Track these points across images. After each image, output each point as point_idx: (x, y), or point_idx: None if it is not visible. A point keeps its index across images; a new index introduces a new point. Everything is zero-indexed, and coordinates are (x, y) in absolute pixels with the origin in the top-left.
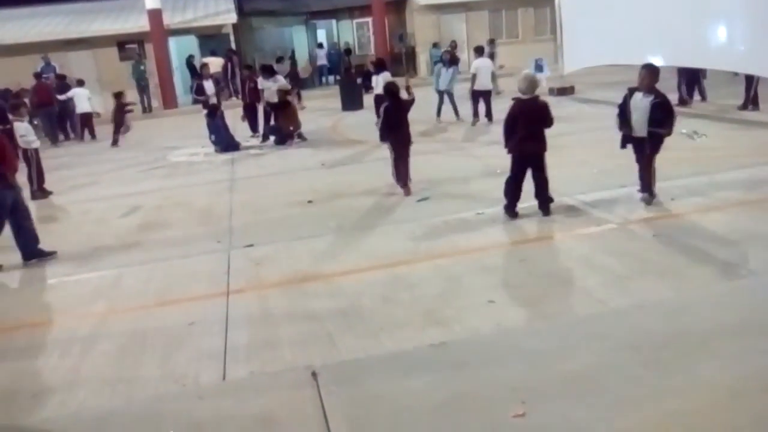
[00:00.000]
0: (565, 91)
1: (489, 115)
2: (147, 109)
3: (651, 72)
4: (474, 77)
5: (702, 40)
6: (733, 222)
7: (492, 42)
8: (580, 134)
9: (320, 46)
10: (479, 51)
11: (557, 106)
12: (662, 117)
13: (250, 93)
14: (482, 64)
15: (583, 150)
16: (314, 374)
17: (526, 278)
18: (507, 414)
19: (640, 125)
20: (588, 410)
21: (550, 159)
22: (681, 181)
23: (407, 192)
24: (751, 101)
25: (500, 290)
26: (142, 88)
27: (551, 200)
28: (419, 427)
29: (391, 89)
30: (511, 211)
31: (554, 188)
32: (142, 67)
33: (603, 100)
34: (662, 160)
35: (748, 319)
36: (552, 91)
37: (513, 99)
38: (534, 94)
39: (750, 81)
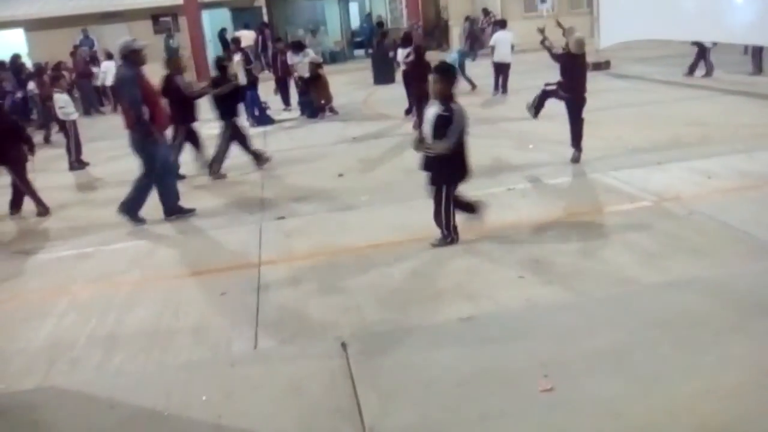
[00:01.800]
0: (600, 66)
1: (504, 87)
2: None
3: (442, 76)
4: (493, 49)
5: (747, 14)
6: None
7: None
8: (614, 110)
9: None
10: (501, 24)
11: (591, 82)
12: (443, 133)
13: (281, 67)
14: (501, 37)
15: (618, 126)
16: (344, 345)
17: (556, 254)
18: (535, 388)
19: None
20: (617, 387)
21: (585, 135)
22: (718, 159)
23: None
24: None
25: (530, 266)
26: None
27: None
28: (447, 399)
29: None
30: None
31: (587, 164)
32: (171, 41)
33: (639, 75)
34: (700, 139)
35: None
36: (587, 66)
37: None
38: (582, 51)
39: None
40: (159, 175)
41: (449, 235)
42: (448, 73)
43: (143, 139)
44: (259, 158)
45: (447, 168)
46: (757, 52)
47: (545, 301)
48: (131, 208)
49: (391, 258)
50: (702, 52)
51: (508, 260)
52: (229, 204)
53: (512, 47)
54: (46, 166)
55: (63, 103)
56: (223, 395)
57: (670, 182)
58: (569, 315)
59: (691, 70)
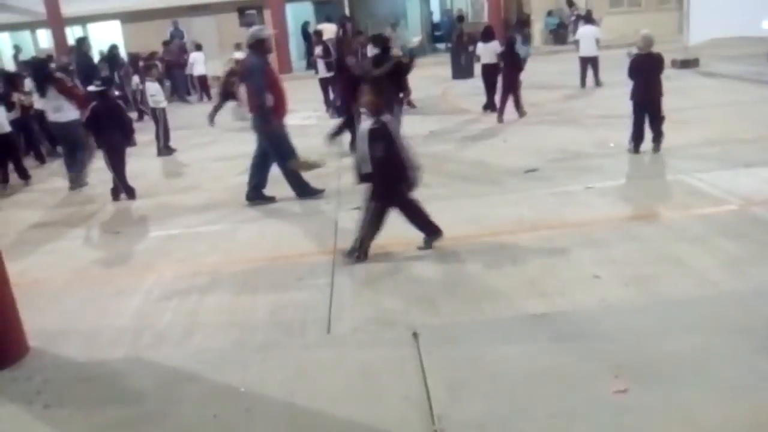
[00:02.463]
0: (688, 64)
1: (596, 79)
2: None
3: (373, 88)
4: (578, 44)
5: None
6: None
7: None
8: (702, 110)
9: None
10: (586, 18)
11: (679, 79)
12: (379, 147)
13: (361, 59)
14: (585, 31)
15: (706, 126)
16: (415, 334)
17: (635, 255)
18: (608, 389)
19: (362, 157)
20: (694, 393)
21: (671, 135)
22: None
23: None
24: None
25: (607, 266)
26: None
27: (662, 135)
28: (515, 394)
29: None
30: (635, 148)
31: (673, 165)
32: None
33: (729, 74)
34: None
35: None
36: (675, 64)
37: (629, 55)
38: (650, 50)
39: None
40: (262, 159)
41: (357, 251)
42: (379, 86)
43: (263, 124)
44: None
45: (387, 181)
46: None
47: (621, 303)
48: (304, 190)
49: (466, 251)
50: None
51: (584, 259)
52: None
53: (597, 41)
54: (136, 152)
55: (154, 91)
56: (296, 375)
57: (758, 186)
58: (646, 317)
59: None
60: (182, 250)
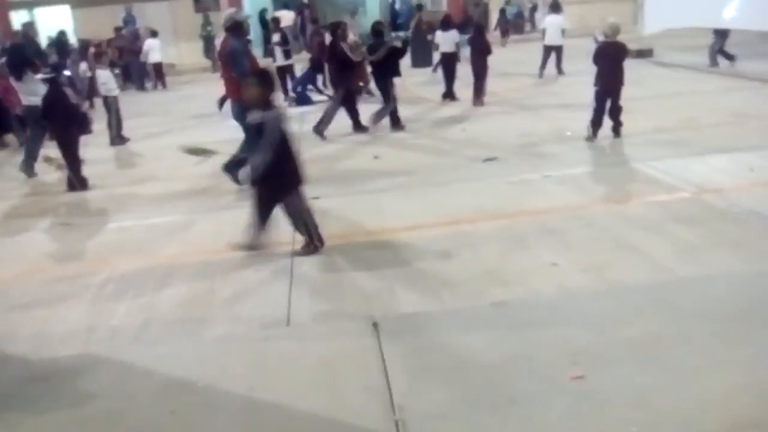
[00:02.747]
0: (643, 54)
1: (558, 68)
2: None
3: (257, 82)
4: (544, 32)
5: None
6: None
7: None
8: (656, 99)
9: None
10: (553, 7)
11: (634, 69)
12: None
13: (318, 48)
14: (552, 20)
15: (659, 116)
16: (375, 325)
17: (591, 243)
18: (565, 376)
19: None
20: (650, 377)
21: (625, 123)
22: (761, 152)
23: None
24: None
25: (564, 253)
26: (208, 49)
27: (621, 124)
28: (476, 382)
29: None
30: (594, 133)
31: (628, 154)
32: (209, 28)
33: (682, 64)
34: (743, 130)
35: None
36: (630, 54)
37: (595, 41)
38: (616, 38)
39: None
40: (250, 144)
41: (312, 243)
42: (264, 79)
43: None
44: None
45: (274, 179)
46: None
47: (578, 289)
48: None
49: (425, 241)
50: (717, 41)
51: (542, 247)
52: None
53: (563, 31)
54: (89, 141)
55: (105, 78)
56: (255, 369)
57: (710, 174)
58: (603, 303)
59: (714, 61)
60: (137, 243)
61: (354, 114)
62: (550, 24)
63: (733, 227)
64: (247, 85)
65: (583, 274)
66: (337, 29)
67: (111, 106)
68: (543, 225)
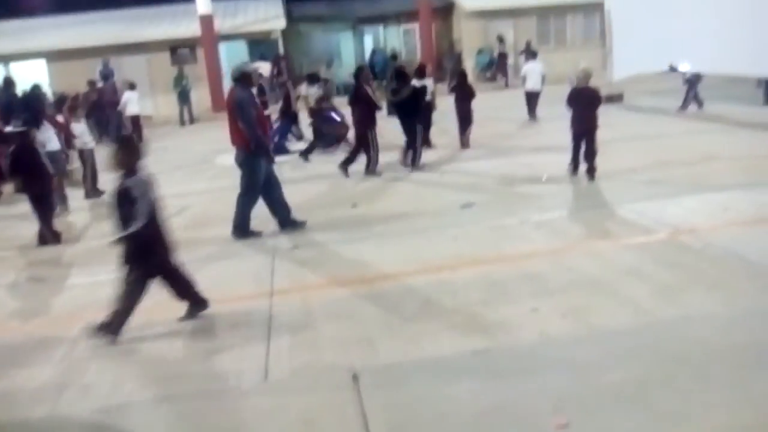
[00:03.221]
0: (612, 99)
1: (533, 113)
2: (189, 121)
3: (121, 147)
4: (524, 79)
5: (759, 46)
6: None
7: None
8: (628, 142)
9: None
10: (532, 55)
11: (605, 114)
12: (128, 212)
13: (285, 99)
14: (531, 67)
15: (632, 158)
16: (355, 377)
17: (571, 287)
18: (549, 423)
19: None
20: (633, 423)
21: (600, 166)
22: (734, 192)
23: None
24: None
25: (545, 298)
26: (183, 100)
27: (596, 168)
28: None
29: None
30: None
31: (604, 197)
32: (184, 81)
33: (651, 108)
34: (715, 171)
35: None
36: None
37: (570, 83)
38: (587, 83)
39: None
40: (266, 191)
41: (110, 326)
42: (129, 145)
43: (253, 156)
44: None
45: (143, 248)
46: (767, 83)
47: (560, 335)
48: (242, 228)
49: (405, 289)
50: (692, 86)
51: (522, 292)
52: None
53: (543, 77)
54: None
55: (79, 132)
56: (232, 426)
57: (685, 215)
58: (584, 349)
59: (686, 105)
60: (110, 298)
61: (367, 157)
62: (530, 70)
63: (710, 268)
64: (113, 151)
65: (564, 318)
66: (361, 74)
67: (87, 159)
68: (522, 270)
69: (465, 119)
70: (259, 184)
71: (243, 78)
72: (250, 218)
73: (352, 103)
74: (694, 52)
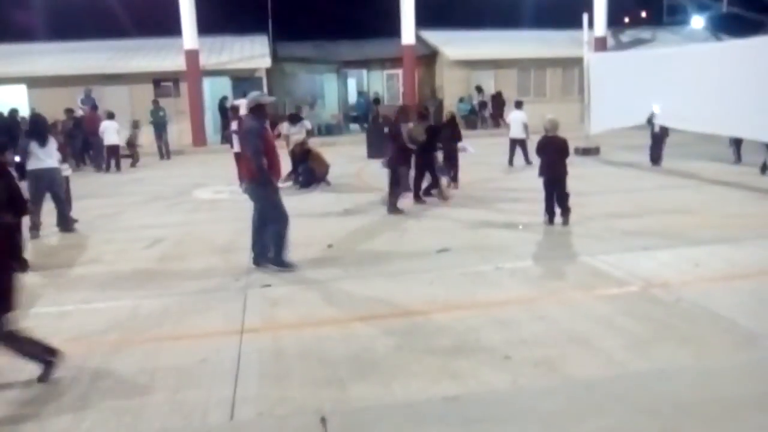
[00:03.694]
0: (589, 152)
1: (526, 158)
2: (164, 156)
3: None
4: (509, 126)
5: (729, 107)
6: (757, 290)
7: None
8: (602, 195)
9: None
10: (516, 104)
11: (581, 166)
12: None
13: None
14: (515, 116)
15: (607, 210)
16: (323, 420)
17: (544, 336)
18: None
19: None
20: None
21: (574, 218)
22: (705, 247)
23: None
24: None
25: (517, 346)
26: (159, 134)
27: (569, 210)
28: None
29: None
30: (549, 220)
31: (578, 247)
32: (161, 113)
33: (627, 162)
34: (687, 226)
35: None
36: (577, 151)
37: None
38: (556, 133)
39: None
40: (263, 223)
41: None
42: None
43: (263, 187)
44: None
45: None
46: (736, 142)
47: (531, 384)
48: (280, 259)
49: (378, 331)
50: (658, 141)
51: (495, 339)
52: (216, 269)
53: (525, 126)
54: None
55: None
56: None
57: (657, 268)
58: (555, 399)
59: (656, 160)
60: (75, 329)
61: (397, 192)
62: (514, 119)
63: (681, 322)
64: None
65: (536, 368)
66: (400, 113)
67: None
68: (496, 317)
69: (453, 162)
70: (282, 208)
71: (256, 108)
72: (285, 246)
73: (392, 138)
74: (667, 110)
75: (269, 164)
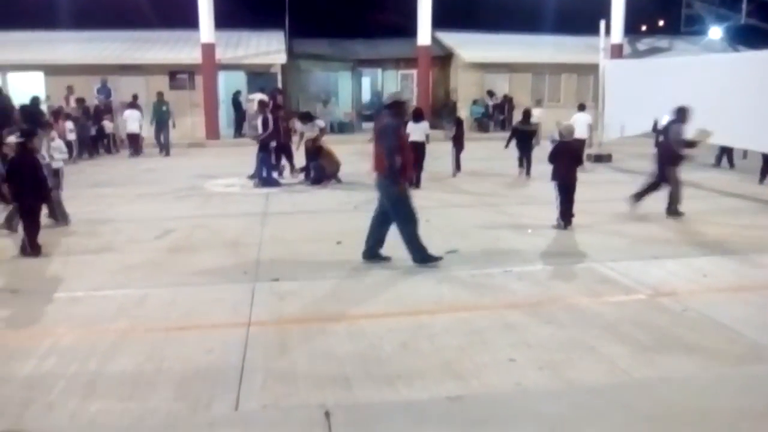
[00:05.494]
0: (602, 159)
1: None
2: (165, 152)
3: None
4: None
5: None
6: (765, 303)
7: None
8: (613, 202)
9: None
10: (580, 107)
11: (594, 173)
12: None
13: (283, 132)
14: (579, 118)
15: (617, 218)
16: (327, 414)
17: (549, 340)
18: None
19: None
20: None
21: (584, 224)
22: (714, 258)
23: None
24: None
25: (522, 349)
26: (160, 129)
27: (573, 215)
28: None
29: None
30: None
31: (587, 254)
32: (163, 108)
33: (639, 170)
34: (695, 236)
35: None
36: (589, 158)
37: (552, 141)
38: (572, 138)
39: None
40: (382, 218)
41: None
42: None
43: (395, 185)
44: None
45: None
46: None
47: (535, 387)
48: (422, 255)
49: (384, 329)
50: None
51: (500, 342)
52: (225, 261)
53: (590, 126)
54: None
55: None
56: None
57: (665, 277)
58: (559, 403)
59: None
60: (85, 315)
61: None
62: (579, 121)
63: (687, 331)
64: None
65: (540, 371)
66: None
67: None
68: (502, 320)
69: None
70: (411, 207)
71: (393, 105)
72: (420, 242)
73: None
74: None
75: (402, 163)
